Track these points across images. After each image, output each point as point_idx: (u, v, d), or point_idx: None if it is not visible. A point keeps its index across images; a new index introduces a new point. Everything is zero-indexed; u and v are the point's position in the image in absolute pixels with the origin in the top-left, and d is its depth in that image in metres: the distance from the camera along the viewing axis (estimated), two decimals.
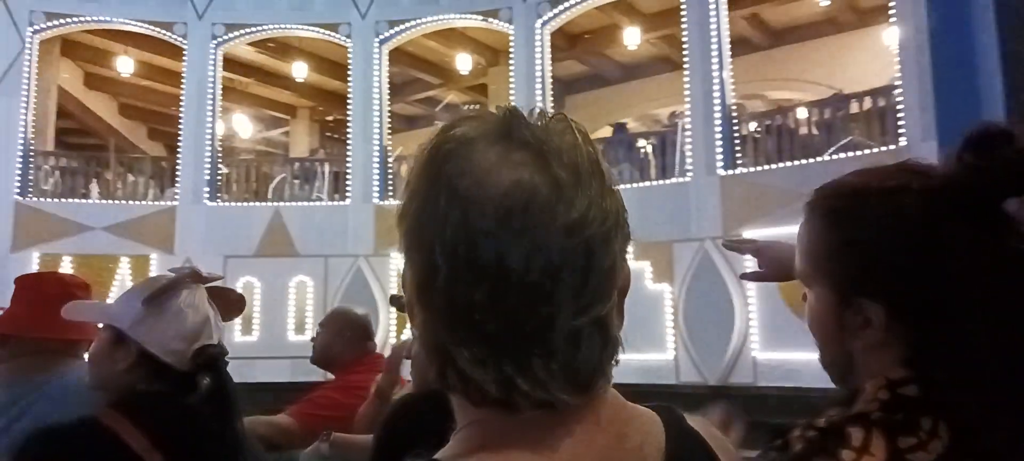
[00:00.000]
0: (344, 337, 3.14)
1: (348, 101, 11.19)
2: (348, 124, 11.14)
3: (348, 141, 11.09)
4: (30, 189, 10.58)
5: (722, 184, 8.98)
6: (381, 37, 11.11)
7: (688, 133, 9.54)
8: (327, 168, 11.69)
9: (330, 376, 3.26)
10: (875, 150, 8.27)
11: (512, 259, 0.60)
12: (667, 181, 9.75)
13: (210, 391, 1.51)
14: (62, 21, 10.77)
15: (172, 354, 1.53)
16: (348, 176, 10.90)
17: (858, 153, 8.35)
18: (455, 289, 0.61)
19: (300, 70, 12.73)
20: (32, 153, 10.71)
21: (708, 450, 0.74)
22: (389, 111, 11.44)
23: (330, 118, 14.89)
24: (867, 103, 9.03)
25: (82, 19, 10.86)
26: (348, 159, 11.01)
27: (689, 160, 9.44)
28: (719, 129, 9.22)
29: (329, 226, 10.45)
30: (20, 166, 10.44)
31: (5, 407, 1.94)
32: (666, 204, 9.15)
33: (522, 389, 0.61)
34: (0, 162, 10.29)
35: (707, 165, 9.19)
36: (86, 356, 1.82)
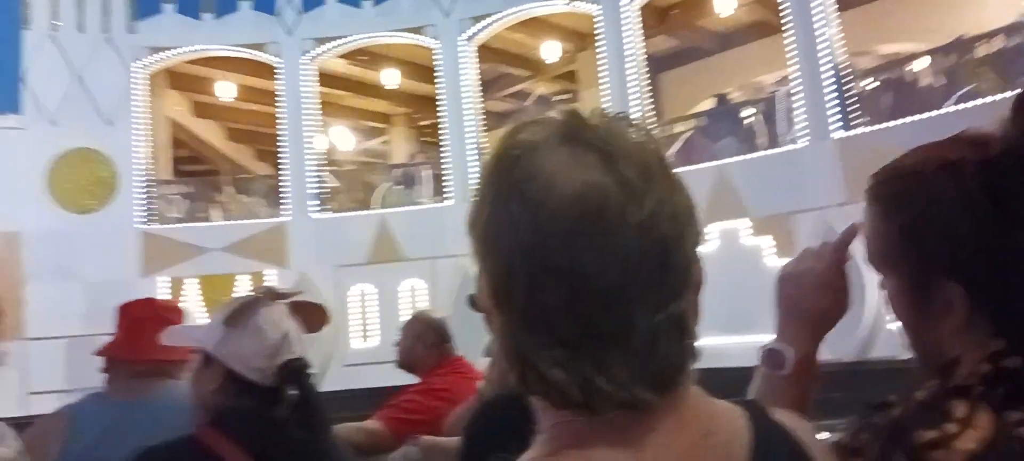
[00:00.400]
0: (424, 341, 3.21)
1: (440, 103, 11.23)
2: (442, 126, 11.19)
3: (443, 143, 11.13)
4: (153, 217, 11.16)
5: (839, 147, 8.43)
6: (466, 35, 11.08)
7: (797, 97, 9.03)
8: (426, 172, 11.80)
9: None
10: (1010, 94, 7.54)
11: (587, 262, 0.60)
12: (779, 150, 9.25)
13: (297, 403, 1.56)
14: (164, 53, 11.32)
15: (255, 371, 1.58)
16: (446, 178, 10.95)
17: (987, 100, 7.65)
18: (531, 294, 0.61)
19: (391, 78, 12.89)
20: (152, 183, 11.29)
21: (795, 443, 0.72)
22: (481, 109, 11.42)
23: (425, 122, 15.04)
24: (998, 43, 8.26)
25: (181, 50, 11.38)
26: (445, 161, 11.06)
27: (801, 126, 8.93)
28: (831, 90, 8.67)
29: (433, 228, 10.52)
30: (142, 196, 11.03)
31: (109, 429, 2.06)
32: (781, 174, 8.69)
33: (603, 390, 0.61)
34: (124, 194, 10.91)
35: (820, 129, 8.66)
36: (184, 376, 1.92)
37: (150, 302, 2.35)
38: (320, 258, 10.74)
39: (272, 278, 10.64)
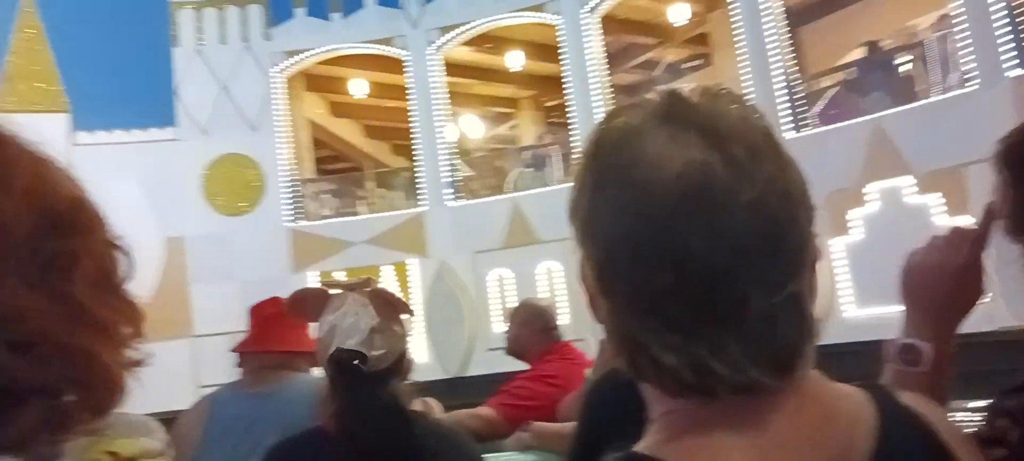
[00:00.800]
0: (530, 328, 3.28)
1: (565, 81, 11.02)
2: (569, 105, 10.99)
3: (571, 122, 10.94)
4: (300, 215, 11.67)
5: (1015, 88, 7.52)
6: (589, 6, 10.79)
7: (962, 37, 8.14)
8: (556, 153, 11.66)
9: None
10: None
11: (694, 243, 0.59)
12: (944, 97, 8.38)
13: (369, 391, 1.61)
14: (298, 56, 11.78)
15: (321, 363, 1.69)
16: (576, 157, 10.75)
17: None
18: (638, 278, 0.60)
19: (516, 60, 12.81)
20: (296, 183, 11.81)
21: (926, 428, 0.68)
22: (608, 83, 11.11)
23: (552, 103, 14.88)
24: None
25: (313, 51, 11.81)
26: (574, 140, 10.87)
27: (968, 68, 8.05)
28: (1002, 25, 7.73)
29: (565, 209, 10.28)
30: (289, 196, 11.56)
31: (240, 417, 2.28)
32: (947, 124, 7.85)
33: (719, 373, 0.60)
34: (271, 195, 11.47)
35: (991, 70, 7.75)
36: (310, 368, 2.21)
37: (276, 301, 2.49)
38: (457, 245, 10.88)
39: (414, 267, 10.94)
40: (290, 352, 2.35)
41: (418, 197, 11.53)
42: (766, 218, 0.59)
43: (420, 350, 10.75)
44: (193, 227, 11.27)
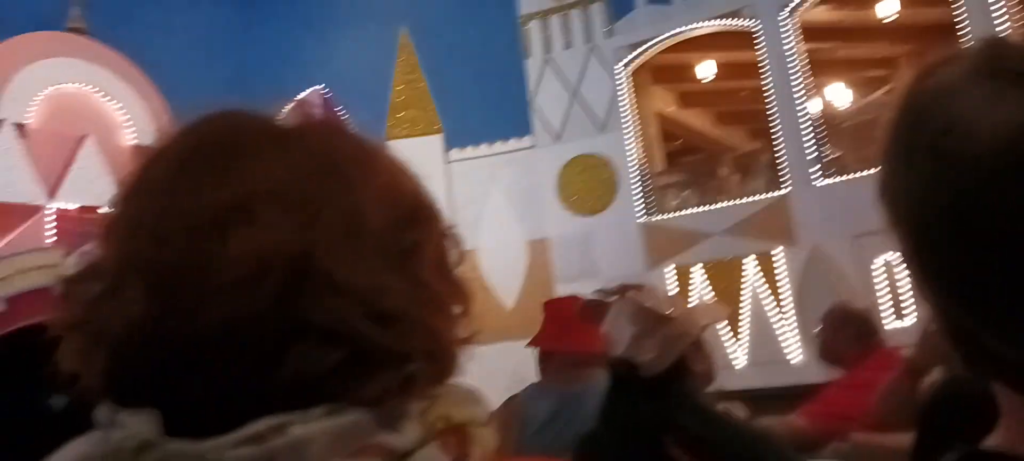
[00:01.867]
0: (843, 334, 3.11)
1: (959, 27, 9.07)
2: None
3: None
4: (653, 209, 11.41)
5: None
6: None
7: None
8: None
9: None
10: None
11: None
12: None
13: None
14: (642, 47, 11.53)
15: None
16: None
17: None
18: (966, 262, 0.54)
19: (888, 9, 11.03)
20: (647, 177, 11.58)
21: None
22: (1021, 25, 8.93)
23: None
24: None
25: (657, 40, 11.46)
26: None
27: None
28: None
29: None
30: (640, 191, 11.38)
31: (554, 415, 2.35)
32: None
33: None
34: (623, 192, 11.42)
35: None
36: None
37: (573, 298, 2.50)
38: (831, 229, 9.68)
39: (779, 257, 10.03)
40: (591, 352, 2.25)
41: (781, 180, 10.50)
42: None
43: (793, 350, 9.72)
44: (554, 229, 11.68)
